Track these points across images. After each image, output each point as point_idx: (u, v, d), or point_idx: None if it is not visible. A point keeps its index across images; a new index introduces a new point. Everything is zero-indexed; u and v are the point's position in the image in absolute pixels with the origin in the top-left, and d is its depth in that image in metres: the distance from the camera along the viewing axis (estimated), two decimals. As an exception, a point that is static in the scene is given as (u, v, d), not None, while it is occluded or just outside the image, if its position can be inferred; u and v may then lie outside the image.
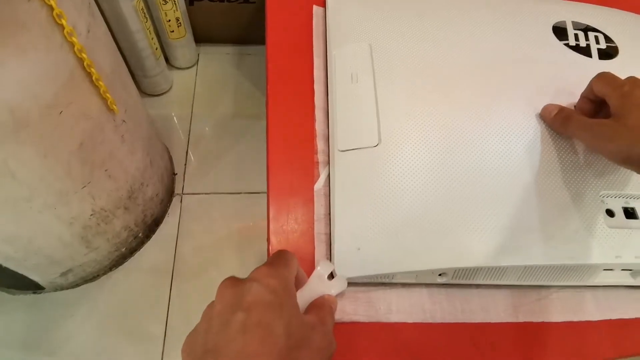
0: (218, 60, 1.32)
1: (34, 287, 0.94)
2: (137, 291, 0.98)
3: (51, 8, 0.54)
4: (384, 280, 0.33)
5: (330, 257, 0.34)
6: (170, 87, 1.24)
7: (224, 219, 1.09)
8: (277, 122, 0.40)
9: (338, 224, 0.34)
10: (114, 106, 0.72)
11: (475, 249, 0.32)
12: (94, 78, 0.66)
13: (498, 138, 0.36)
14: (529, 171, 0.35)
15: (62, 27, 0.57)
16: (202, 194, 1.11)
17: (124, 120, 0.78)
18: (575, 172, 0.35)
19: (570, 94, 0.39)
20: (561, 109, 0.36)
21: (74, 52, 0.61)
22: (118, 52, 0.80)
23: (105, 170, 0.77)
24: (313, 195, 0.37)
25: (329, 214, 0.36)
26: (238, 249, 1.06)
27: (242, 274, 0.25)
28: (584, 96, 0.38)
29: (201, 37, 1.29)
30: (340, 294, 0.33)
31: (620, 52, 0.43)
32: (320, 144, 0.39)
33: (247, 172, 1.15)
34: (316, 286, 0.30)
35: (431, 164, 0.35)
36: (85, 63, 0.63)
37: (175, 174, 1.12)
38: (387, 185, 0.34)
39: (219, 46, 1.33)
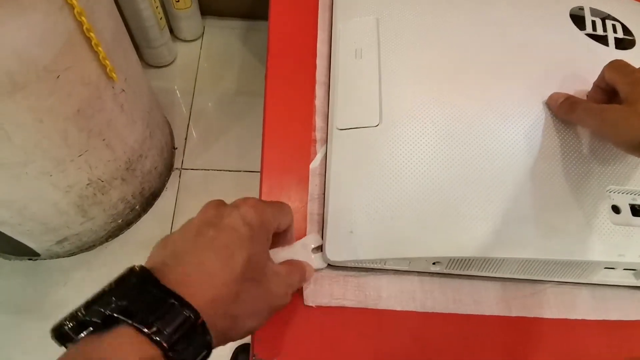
0: (224, 35, 1.29)
1: (30, 254, 0.94)
2: (133, 263, 0.97)
3: (50, -33, 0.52)
4: (375, 266, 0.32)
5: (322, 239, 0.32)
6: (174, 60, 1.22)
7: (222, 196, 1.06)
8: (275, 96, 0.39)
9: (332, 205, 0.32)
10: (113, 74, 0.70)
11: (473, 239, 0.31)
12: (93, 43, 0.64)
13: (504, 125, 0.34)
14: (534, 161, 0.33)
15: (61, -13, 0.55)
16: (202, 169, 1.10)
17: (123, 90, 0.77)
18: (582, 165, 0.33)
19: (584, 82, 0.37)
20: (568, 97, 0.35)
21: (74, 15, 0.59)
22: (120, 19, 0.78)
23: (103, 140, 0.76)
24: (308, 174, 0.35)
25: (324, 194, 0.34)
26: (235, 227, 1.06)
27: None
28: (596, 85, 0.36)
29: (207, 10, 1.26)
30: (329, 277, 0.32)
31: (637, 43, 0.41)
32: (318, 121, 0.38)
33: (249, 150, 1.13)
34: (298, 251, 0.30)
35: (432, 148, 0.33)
36: (84, 27, 0.61)
37: (175, 148, 1.11)
38: (385, 168, 0.33)
39: (225, 20, 1.30)
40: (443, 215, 0.31)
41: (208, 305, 0.20)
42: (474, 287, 0.33)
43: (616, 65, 0.33)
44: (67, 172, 0.74)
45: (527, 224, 0.31)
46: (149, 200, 1.02)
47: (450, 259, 0.31)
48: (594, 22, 0.42)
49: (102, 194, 0.85)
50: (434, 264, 0.32)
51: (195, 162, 1.11)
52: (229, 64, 1.27)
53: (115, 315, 0.19)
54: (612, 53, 0.40)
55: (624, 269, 0.33)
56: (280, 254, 0.29)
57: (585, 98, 0.37)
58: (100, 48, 0.65)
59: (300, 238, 0.32)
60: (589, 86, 0.37)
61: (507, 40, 0.39)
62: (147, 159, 0.93)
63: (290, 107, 0.38)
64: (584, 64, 0.38)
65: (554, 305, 0.33)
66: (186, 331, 0.19)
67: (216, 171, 1.11)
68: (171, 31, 1.22)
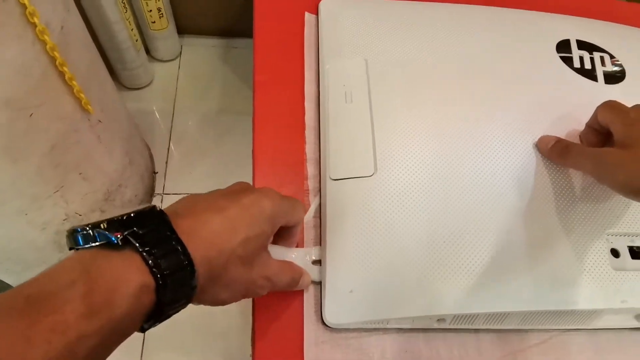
0: (202, 53, 1.27)
1: (5, 291, 0.90)
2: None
3: (24, 6, 0.50)
4: (378, 326, 0.31)
5: (320, 299, 0.31)
6: (152, 81, 1.19)
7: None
8: (264, 144, 0.37)
9: (329, 263, 0.31)
10: (89, 106, 0.68)
11: (475, 293, 0.30)
12: (66, 77, 0.61)
13: (498, 171, 0.34)
14: (532, 210, 0.32)
15: (34, 25, 0.52)
16: (184, 194, 1.07)
17: (100, 120, 0.74)
18: (580, 210, 0.33)
19: (574, 120, 0.37)
20: (559, 140, 0.34)
21: (46, 50, 0.56)
22: (94, 48, 0.75)
23: (80, 174, 0.73)
24: (303, 226, 0.34)
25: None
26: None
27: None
28: (588, 125, 0.36)
29: (185, 28, 1.23)
30: (330, 341, 0.30)
31: (627, 74, 0.41)
32: (310, 169, 0.36)
33: (232, 172, 1.11)
34: (298, 257, 0.31)
35: (429, 198, 0.32)
36: (57, 62, 0.58)
37: (156, 173, 1.07)
38: (383, 221, 0.32)
39: (203, 38, 1.27)
40: (444, 270, 0.30)
41: (200, 261, 0.22)
42: (479, 341, 0.32)
43: (609, 106, 0.33)
44: (43, 209, 0.71)
45: (529, 276, 0.31)
46: (130, 228, 0.98)
47: (454, 316, 0.30)
48: (581, 57, 0.42)
49: (81, 228, 0.81)
50: (437, 320, 0.31)
51: (177, 186, 1.08)
52: (209, 83, 1.24)
53: (130, 238, 0.21)
54: (601, 88, 0.40)
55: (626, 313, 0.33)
56: (280, 252, 0.29)
57: (576, 138, 0.36)
58: (74, 82, 0.62)
59: (294, 297, 0.30)
60: (579, 125, 0.37)
61: (495, 79, 0.39)
62: (127, 188, 0.89)
63: (280, 154, 0.37)
64: (573, 102, 0.38)
65: (560, 354, 0.32)
66: (180, 275, 0.21)
67: (200, 195, 1.08)
68: (147, 51, 1.19)
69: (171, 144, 1.13)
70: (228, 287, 0.25)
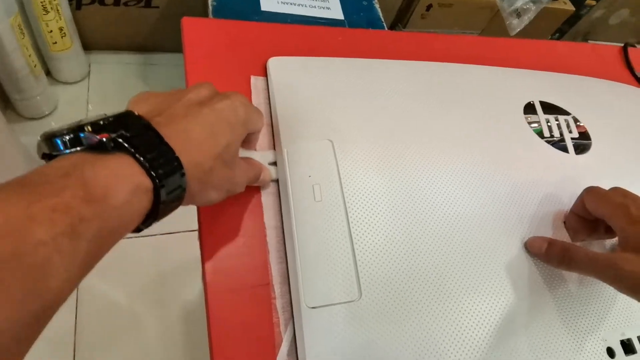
0: (116, 71, 1.12)
1: None
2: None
3: None
4: None
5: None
6: (56, 107, 1.02)
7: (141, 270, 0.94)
8: (216, 268, 0.30)
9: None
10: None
11: None
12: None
13: (492, 276, 0.31)
14: (527, 327, 0.30)
15: None
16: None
17: None
18: (576, 318, 0.31)
19: (554, 199, 0.35)
20: (551, 242, 0.31)
21: None
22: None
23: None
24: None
25: (300, 394, 0.27)
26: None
27: None
28: (574, 213, 0.33)
29: (92, 44, 1.08)
30: None
31: (592, 140, 0.40)
32: (277, 289, 0.30)
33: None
34: (256, 158, 0.32)
35: (422, 314, 0.28)
36: None
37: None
38: (377, 347, 0.27)
39: (116, 54, 1.13)
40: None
41: (190, 165, 0.22)
42: None
43: (598, 197, 0.31)
44: None
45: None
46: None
47: None
48: (548, 123, 0.40)
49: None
50: None
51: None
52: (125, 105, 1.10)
53: (120, 140, 0.20)
54: (574, 160, 0.38)
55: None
56: (241, 152, 0.31)
57: (560, 223, 0.34)
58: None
59: None
60: (560, 204, 0.35)
61: (473, 155, 0.36)
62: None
63: (237, 278, 0.30)
64: (550, 179, 0.36)
65: None
66: (173, 178, 0.21)
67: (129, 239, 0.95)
68: (47, 72, 1.02)
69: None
70: (216, 188, 0.26)
